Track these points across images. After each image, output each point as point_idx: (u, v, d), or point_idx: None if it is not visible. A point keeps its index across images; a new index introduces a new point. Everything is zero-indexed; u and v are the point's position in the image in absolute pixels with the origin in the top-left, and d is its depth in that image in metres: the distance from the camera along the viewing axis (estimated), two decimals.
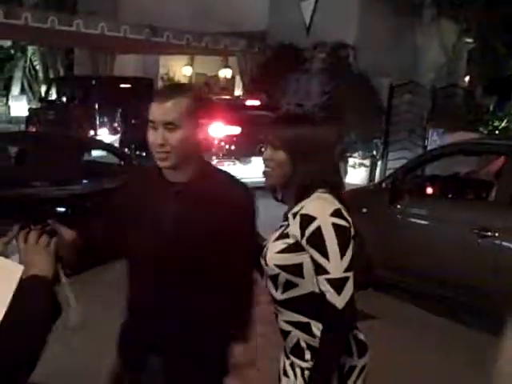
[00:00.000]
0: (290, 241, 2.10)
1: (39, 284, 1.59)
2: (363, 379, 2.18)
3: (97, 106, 16.20)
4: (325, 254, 2.02)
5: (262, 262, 2.19)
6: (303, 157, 2.12)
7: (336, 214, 2.06)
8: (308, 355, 2.12)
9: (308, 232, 2.04)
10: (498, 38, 13.82)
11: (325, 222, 2.04)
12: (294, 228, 2.09)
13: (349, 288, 2.01)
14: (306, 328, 2.12)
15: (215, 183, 2.22)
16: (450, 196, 6.69)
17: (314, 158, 2.13)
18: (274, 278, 2.15)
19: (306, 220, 2.06)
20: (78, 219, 6.21)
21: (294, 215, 2.11)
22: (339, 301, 1.99)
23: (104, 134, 15.84)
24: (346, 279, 2.01)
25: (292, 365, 2.18)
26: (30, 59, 26.11)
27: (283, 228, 2.16)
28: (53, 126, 15.92)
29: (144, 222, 2.17)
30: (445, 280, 5.50)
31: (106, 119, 16.31)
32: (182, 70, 20.88)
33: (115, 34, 14.88)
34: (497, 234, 5.25)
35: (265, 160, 2.24)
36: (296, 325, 2.14)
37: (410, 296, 6.03)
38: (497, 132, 13.31)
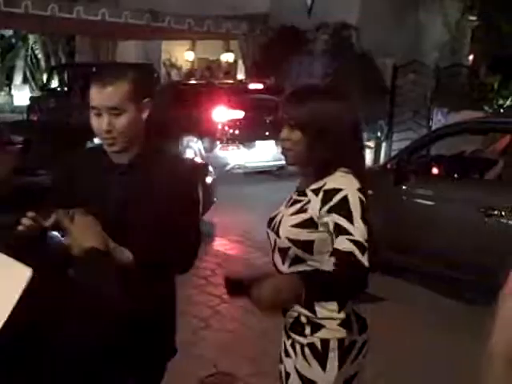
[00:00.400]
0: (306, 216, 2.07)
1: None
2: (364, 355, 2.18)
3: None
4: (350, 219, 1.96)
5: (272, 234, 2.17)
6: (318, 135, 2.07)
7: (361, 191, 2.04)
8: (308, 330, 2.11)
9: (333, 201, 2.00)
10: (502, 16, 13.69)
11: (352, 193, 2.01)
12: (314, 203, 2.06)
13: (367, 256, 1.93)
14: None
15: (158, 163, 2.23)
16: (455, 175, 6.66)
17: (329, 137, 2.07)
18: (284, 251, 2.13)
19: (331, 193, 2.02)
20: None
21: (316, 191, 2.08)
22: (364, 260, 1.91)
23: None
24: (366, 248, 1.94)
25: (293, 344, 2.16)
26: (32, 48, 26.03)
27: (302, 203, 2.12)
28: (54, 114, 15.91)
29: (89, 201, 2.11)
30: (452, 260, 5.49)
31: None
32: (183, 54, 20.80)
33: (116, 19, 14.82)
34: (503, 213, 5.23)
35: (282, 140, 2.17)
36: None
37: (418, 278, 6.03)
38: (501, 111, 13.23)
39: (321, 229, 2.04)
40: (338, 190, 2.01)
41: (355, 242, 1.93)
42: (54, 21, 14.51)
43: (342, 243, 1.93)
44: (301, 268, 2.09)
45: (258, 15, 15.77)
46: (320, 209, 2.03)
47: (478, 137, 8.06)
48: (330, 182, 2.06)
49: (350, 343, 2.11)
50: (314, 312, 2.10)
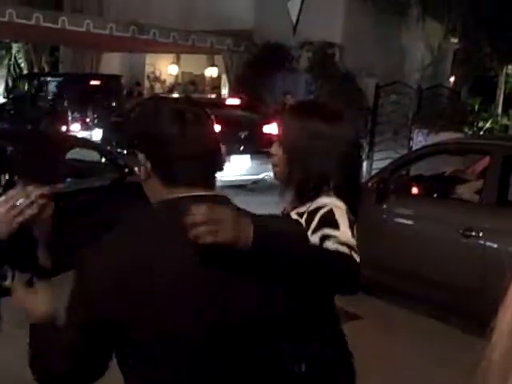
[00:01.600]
0: None
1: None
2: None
3: (66, 103, 16.09)
4: (336, 227, 1.88)
5: None
6: (299, 156, 1.99)
7: (347, 209, 1.98)
8: None
9: (317, 218, 1.91)
10: (483, 38, 13.91)
11: (336, 208, 1.94)
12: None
13: (357, 256, 1.86)
14: None
15: None
16: (435, 196, 6.71)
17: (310, 159, 1.98)
18: None
19: (314, 211, 1.93)
20: (63, 218, 6.19)
21: (301, 214, 1.98)
22: (355, 256, 1.84)
23: (77, 130, 15.74)
24: (355, 248, 1.87)
25: None
26: (15, 57, 25.87)
27: None
28: (19, 121, 15.69)
29: None
30: (430, 281, 5.51)
31: (77, 115, 16.17)
32: (168, 68, 20.81)
33: (101, 31, 14.79)
34: (481, 235, 5.27)
35: (271, 154, 2.10)
36: None
37: (398, 298, 6.04)
38: (481, 133, 13.39)
39: None
40: (320, 208, 1.94)
41: (342, 244, 1.85)
42: (38, 30, 14.45)
43: (330, 246, 1.84)
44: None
45: (243, 31, 15.85)
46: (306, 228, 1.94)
47: (458, 158, 8.13)
48: (313, 204, 1.97)
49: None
50: None
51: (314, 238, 1.89)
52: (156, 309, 1.37)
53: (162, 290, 1.38)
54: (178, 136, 1.44)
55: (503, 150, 5.69)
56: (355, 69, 13.82)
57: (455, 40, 16.21)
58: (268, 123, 11.16)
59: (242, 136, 11.11)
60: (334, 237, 1.86)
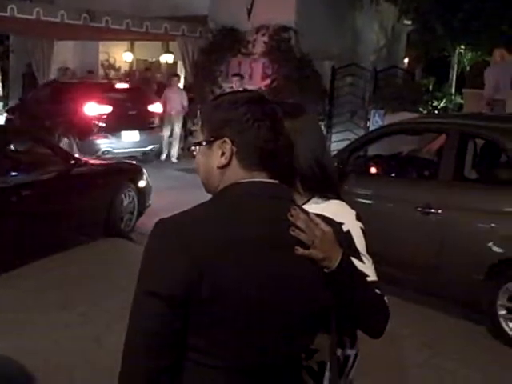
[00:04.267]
0: None
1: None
2: (356, 367, 2.17)
3: None
4: (359, 258, 1.92)
5: None
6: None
7: (358, 217, 2.02)
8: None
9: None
10: (436, 19, 14.07)
11: (353, 226, 1.97)
12: None
13: None
14: None
15: None
16: (393, 175, 6.79)
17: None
18: None
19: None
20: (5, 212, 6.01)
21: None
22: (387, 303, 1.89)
23: None
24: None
25: None
26: None
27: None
28: None
29: None
30: (392, 259, 5.58)
31: None
32: (122, 55, 20.50)
33: (52, 19, 14.45)
34: (440, 211, 5.36)
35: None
36: None
37: None
38: (436, 112, 13.58)
39: None
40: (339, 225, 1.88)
41: (375, 283, 1.91)
42: None
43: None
44: None
45: (197, 17, 15.69)
46: None
47: (415, 137, 8.24)
48: (327, 209, 1.92)
49: (344, 358, 2.10)
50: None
51: None
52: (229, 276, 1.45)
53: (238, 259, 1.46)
54: (268, 127, 1.57)
55: (459, 127, 5.78)
56: (311, 52, 13.84)
57: (408, 22, 16.37)
58: (152, 103, 13.50)
59: (131, 114, 12.92)
60: (365, 274, 1.89)
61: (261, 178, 1.57)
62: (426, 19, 14.32)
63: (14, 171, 6.54)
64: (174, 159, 13.70)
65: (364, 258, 1.96)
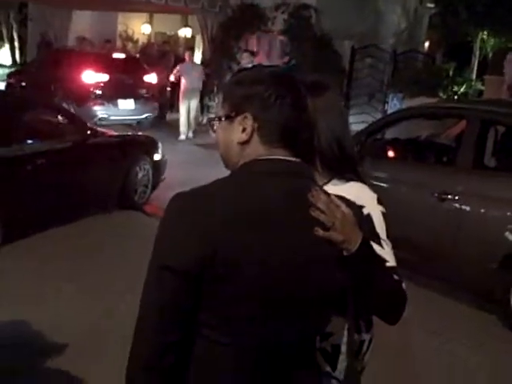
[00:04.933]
0: None
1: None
2: (371, 351, 2.16)
3: None
4: (378, 243, 1.91)
5: None
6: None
7: (379, 201, 2.00)
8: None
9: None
10: (460, 3, 13.83)
11: (374, 209, 1.96)
12: None
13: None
14: None
15: None
16: (411, 159, 6.72)
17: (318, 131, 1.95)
18: None
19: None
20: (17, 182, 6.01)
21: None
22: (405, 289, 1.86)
23: None
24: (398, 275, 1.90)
25: None
26: None
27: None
28: None
29: None
30: (408, 244, 5.54)
31: None
32: (140, 28, 20.41)
33: None
34: (457, 198, 5.30)
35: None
36: None
37: None
38: (456, 97, 13.43)
39: None
40: (360, 208, 1.87)
41: (393, 269, 1.89)
42: None
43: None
44: None
45: None
46: None
47: (433, 122, 8.14)
48: (347, 191, 1.87)
49: (359, 343, 2.09)
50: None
51: None
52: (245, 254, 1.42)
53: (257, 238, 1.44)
54: (290, 104, 1.53)
55: (480, 114, 5.69)
56: (331, 31, 13.69)
57: (431, 5, 16.13)
58: (147, 73, 13.86)
59: (127, 83, 13.30)
60: (385, 260, 1.87)
61: (282, 155, 1.54)
62: (449, 2, 14.10)
63: (29, 139, 6.51)
64: (190, 134, 13.65)
65: (384, 243, 1.93)
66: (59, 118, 7.31)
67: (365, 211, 1.90)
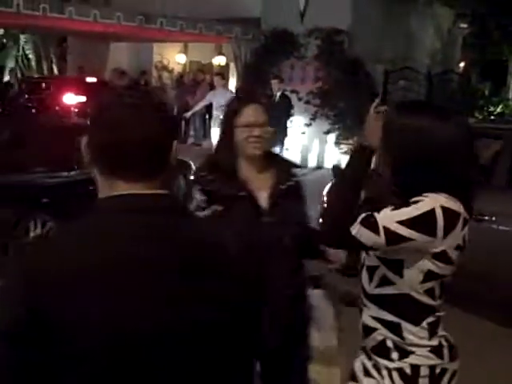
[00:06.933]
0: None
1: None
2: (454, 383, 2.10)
3: None
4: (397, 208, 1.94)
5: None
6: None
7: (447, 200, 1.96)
8: (395, 355, 2.02)
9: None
10: (493, 23, 13.75)
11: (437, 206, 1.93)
12: None
13: (369, 235, 1.94)
14: (395, 328, 2.02)
15: None
16: None
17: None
18: (371, 270, 2.06)
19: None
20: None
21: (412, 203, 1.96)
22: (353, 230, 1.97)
23: None
24: (375, 227, 1.93)
25: (376, 366, 2.07)
26: (23, 48, 25.87)
27: None
28: None
29: None
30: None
31: None
32: (175, 57, 20.75)
33: (108, 21, 14.76)
34: (494, 219, 5.22)
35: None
36: (384, 323, 2.04)
37: None
38: (492, 117, 13.28)
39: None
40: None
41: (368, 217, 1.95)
42: (45, 20, 14.43)
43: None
44: (389, 291, 2.03)
45: (250, 19, 15.76)
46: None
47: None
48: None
49: (440, 371, 2.04)
50: (402, 337, 2.02)
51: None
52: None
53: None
54: (113, 120, 1.28)
55: None
56: (364, 55, 13.72)
57: (465, 25, 16.05)
58: None
59: None
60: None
61: (124, 189, 1.29)
62: (483, 22, 14.02)
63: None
64: None
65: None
66: None
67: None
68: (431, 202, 1.92)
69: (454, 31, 16.55)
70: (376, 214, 1.91)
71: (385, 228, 1.89)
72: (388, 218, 1.91)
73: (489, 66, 15.68)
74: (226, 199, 2.63)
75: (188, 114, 14.59)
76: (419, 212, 1.90)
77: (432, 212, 1.90)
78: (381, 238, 1.90)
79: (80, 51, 19.77)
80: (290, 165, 2.93)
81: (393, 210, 1.92)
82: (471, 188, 2.07)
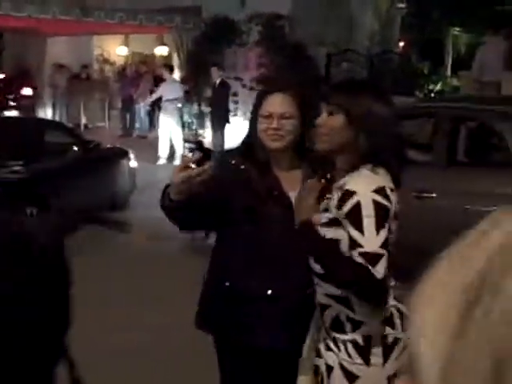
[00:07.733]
0: (331, 215, 2.09)
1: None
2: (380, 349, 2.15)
3: None
4: (360, 229, 1.99)
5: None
6: (363, 122, 2.10)
7: (378, 191, 2.03)
8: (348, 327, 2.12)
9: (346, 208, 2.02)
10: (431, 1, 14.00)
11: (365, 197, 2.01)
12: (334, 202, 2.07)
13: (382, 264, 1.97)
14: (345, 301, 2.10)
15: None
16: None
17: (373, 126, 2.10)
18: None
19: (346, 196, 2.03)
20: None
21: (338, 189, 2.09)
22: (376, 271, 1.96)
23: None
24: (380, 256, 1.97)
25: (334, 340, 2.16)
26: None
27: (328, 201, 2.13)
28: None
29: None
30: None
31: None
32: (116, 49, 20.44)
33: (44, 16, 14.42)
34: (434, 195, 5.36)
35: (319, 125, 2.19)
36: (336, 298, 2.13)
37: None
38: (432, 95, 13.55)
39: (343, 229, 2.06)
40: (351, 194, 2.02)
41: (364, 256, 1.97)
42: None
43: (356, 258, 1.99)
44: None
45: (191, 7, 15.64)
46: (338, 210, 2.06)
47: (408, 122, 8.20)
48: (351, 180, 2.07)
49: (393, 340, 2.11)
50: (353, 310, 2.10)
51: (345, 222, 2.04)
52: None
53: None
54: None
55: (449, 111, 5.77)
56: (305, 39, 13.79)
57: (402, 5, 16.29)
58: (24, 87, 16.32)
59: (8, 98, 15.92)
60: (359, 245, 1.99)
61: None
62: (420, 2, 14.25)
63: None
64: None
65: (366, 229, 1.99)
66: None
67: (354, 199, 2.01)
68: (364, 199, 2.03)
69: (393, 11, 16.79)
70: (362, 249, 1.99)
71: (379, 247, 2.01)
72: (369, 241, 2.00)
73: (427, 45, 15.97)
74: (256, 197, 2.41)
75: (148, 101, 15.00)
76: (373, 217, 2.01)
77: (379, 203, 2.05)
78: (384, 252, 2.01)
79: (17, 46, 19.25)
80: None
81: (358, 234, 2.01)
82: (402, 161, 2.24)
